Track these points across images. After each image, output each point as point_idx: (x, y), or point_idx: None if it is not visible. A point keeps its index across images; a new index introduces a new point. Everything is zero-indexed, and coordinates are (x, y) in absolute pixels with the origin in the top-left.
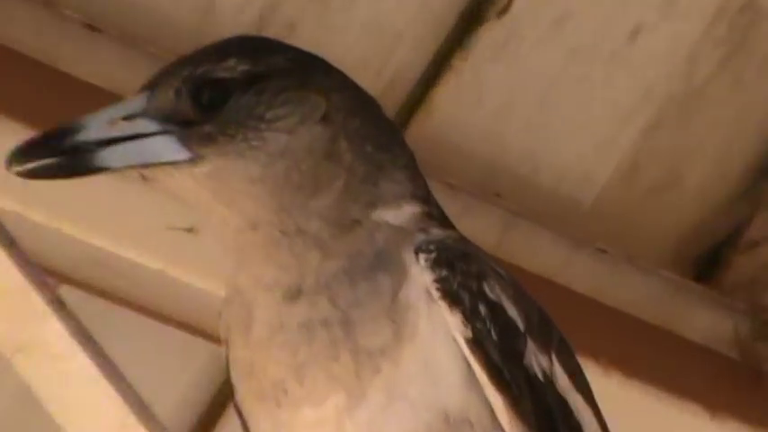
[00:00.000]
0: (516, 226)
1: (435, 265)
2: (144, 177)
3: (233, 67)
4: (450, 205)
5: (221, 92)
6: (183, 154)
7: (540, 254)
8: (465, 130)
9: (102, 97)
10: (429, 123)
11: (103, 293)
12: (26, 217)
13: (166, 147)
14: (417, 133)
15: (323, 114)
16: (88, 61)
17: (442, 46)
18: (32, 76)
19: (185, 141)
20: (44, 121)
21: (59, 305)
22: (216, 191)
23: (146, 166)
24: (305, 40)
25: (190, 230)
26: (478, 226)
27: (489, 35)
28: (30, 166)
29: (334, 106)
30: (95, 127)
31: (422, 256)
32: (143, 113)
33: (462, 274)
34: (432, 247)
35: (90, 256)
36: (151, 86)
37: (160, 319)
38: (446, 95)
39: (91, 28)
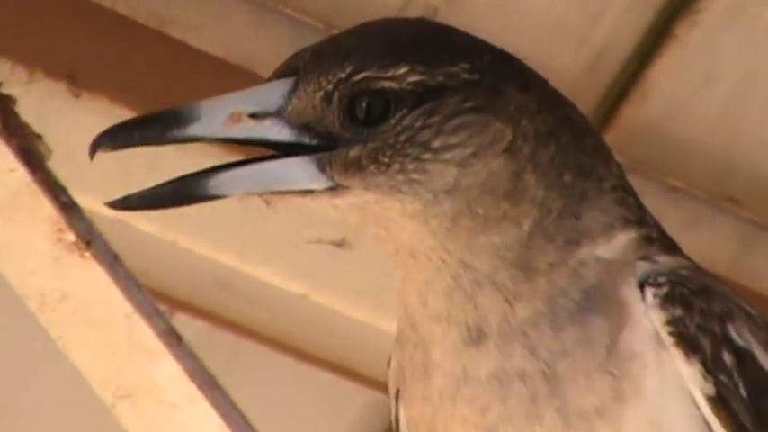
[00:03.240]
0: (757, 240)
1: (667, 302)
2: (266, 201)
3: (403, 77)
4: (673, 214)
5: (383, 106)
6: (320, 181)
7: None
8: (691, 116)
9: (224, 73)
10: (645, 108)
11: (230, 324)
12: (132, 226)
13: (299, 171)
14: (630, 121)
15: (506, 146)
16: (208, 26)
17: (662, 8)
18: (135, 44)
19: (325, 166)
20: (149, 105)
21: (174, 339)
22: (364, 220)
23: (271, 193)
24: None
25: (340, 245)
26: (708, 241)
27: None
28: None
29: (523, 135)
30: (213, 120)
31: (649, 291)
32: (278, 113)
33: (701, 313)
34: (662, 279)
35: (213, 276)
36: (294, 73)
37: (301, 357)
38: (667, 72)
39: None
